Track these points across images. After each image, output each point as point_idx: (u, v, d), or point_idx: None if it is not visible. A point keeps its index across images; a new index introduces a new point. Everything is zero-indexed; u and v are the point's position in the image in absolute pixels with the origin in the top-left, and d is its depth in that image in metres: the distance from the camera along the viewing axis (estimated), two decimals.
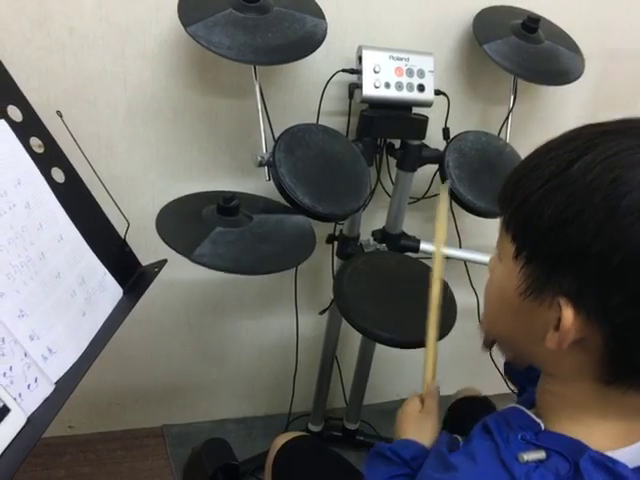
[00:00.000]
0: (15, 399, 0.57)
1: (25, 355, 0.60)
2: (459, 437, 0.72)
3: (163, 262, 0.84)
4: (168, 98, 1.11)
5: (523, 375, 0.74)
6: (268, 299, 1.42)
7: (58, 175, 0.74)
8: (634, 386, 0.46)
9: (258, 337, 1.48)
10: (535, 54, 1.14)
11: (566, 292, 0.44)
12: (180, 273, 1.23)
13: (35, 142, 0.72)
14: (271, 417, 1.61)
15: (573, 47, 1.19)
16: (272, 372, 1.55)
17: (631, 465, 0.46)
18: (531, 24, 1.13)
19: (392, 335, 0.94)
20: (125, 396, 1.47)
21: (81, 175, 0.80)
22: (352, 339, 1.46)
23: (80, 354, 0.68)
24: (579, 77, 1.15)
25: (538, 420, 0.51)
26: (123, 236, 0.83)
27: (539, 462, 0.47)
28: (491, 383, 1.63)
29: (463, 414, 1.07)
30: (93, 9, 0.99)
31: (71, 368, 0.65)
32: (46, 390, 0.61)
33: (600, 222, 0.41)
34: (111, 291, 0.77)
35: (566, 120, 1.34)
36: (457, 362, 1.63)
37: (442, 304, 0.74)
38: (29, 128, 0.72)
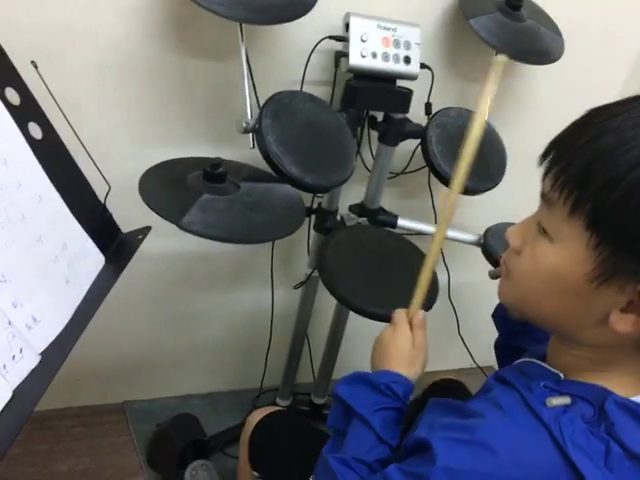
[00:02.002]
0: None
1: (9, 324, 0.55)
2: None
3: (147, 229, 0.79)
4: (143, 57, 1.05)
5: (515, 327, 0.74)
6: (239, 273, 1.39)
7: (35, 131, 0.68)
8: None
9: (227, 311, 1.45)
10: (518, 32, 1.14)
11: None
12: (148, 245, 1.17)
13: (11, 93, 0.66)
14: (237, 392, 1.58)
15: (553, 28, 1.20)
16: (240, 347, 1.52)
17: None
18: (515, 1, 1.13)
19: (379, 309, 0.93)
20: (85, 371, 1.41)
21: None
22: (323, 314, 1.45)
23: (65, 324, 0.63)
24: (559, 58, 1.17)
25: (556, 371, 0.53)
26: (103, 200, 0.78)
27: (566, 407, 0.48)
28: (456, 358, 1.67)
29: (441, 394, 1.08)
30: None
31: (57, 339, 0.61)
32: (32, 362, 0.56)
33: None
34: (93, 258, 0.72)
35: (541, 100, 1.36)
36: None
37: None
38: (4, 77, 0.65)
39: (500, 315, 0.77)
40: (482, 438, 0.48)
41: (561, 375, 0.52)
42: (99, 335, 1.35)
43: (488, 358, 1.81)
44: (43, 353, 0.58)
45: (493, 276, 0.77)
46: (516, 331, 0.73)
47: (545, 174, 0.49)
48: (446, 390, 1.13)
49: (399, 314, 0.70)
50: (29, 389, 0.54)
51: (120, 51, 1.03)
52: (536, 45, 1.15)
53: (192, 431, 1.25)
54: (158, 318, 1.39)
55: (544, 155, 0.50)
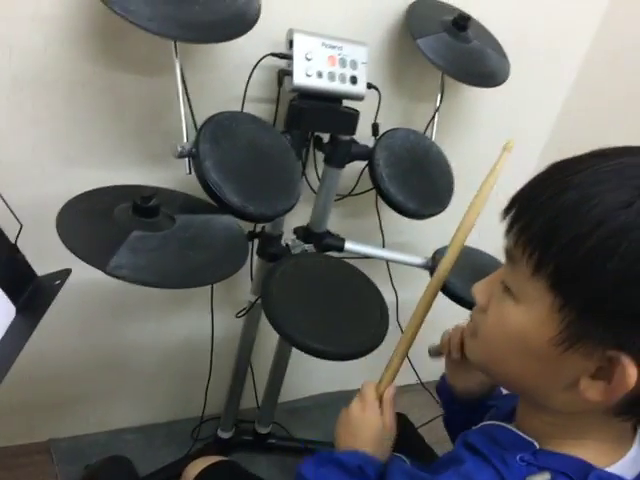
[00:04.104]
0: None
1: None
2: (404, 457, 0.69)
3: (65, 272, 0.69)
4: (65, 69, 0.94)
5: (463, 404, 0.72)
6: (176, 300, 1.30)
7: None
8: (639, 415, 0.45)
9: (163, 339, 1.35)
10: (465, 53, 1.12)
11: (630, 349, 0.40)
12: (74, 272, 1.08)
13: None
14: (174, 423, 1.49)
15: (499, 49, 1.19)
16: (178, 376, 1.43)
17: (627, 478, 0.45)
18: (462, 22, 1.11)
19: (324, 346, 0.88)
20: (3, 407, 1.27)
21: None
22: (267, 339, 1.38)
23: None
24: (505, 80, 1.15)
25: (530, 439, 0.49)
26: (14, 240, 0.68)
27: None
28: (402, 376, 1.64)
29: None
30: None
31: None
32: None
33: None
34: (1, 311, 0.63)
35: (486, 120, 1.35)
36: (370, 361, 1.62)
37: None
38: None
39: (445, 391, 0.74)
40: None
41: (536, 444, 0.48)
42: (19, 368, 1.22)
43: (432, 374, 1.81)
44: None
45: (434, 353, 0.75)
46: (465, 407, 0.70)
47: (508, 230, 0.46)
48: None
49: (368, 388, 0.66)
50: None
51: (38, 63, 0.92)
52: (482, 67, 1.13)
53: (124, 475, 1.15)
54: (86, 349, 1.28)
55: (506, 210, 0.47)
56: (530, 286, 0.43)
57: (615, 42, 1.39)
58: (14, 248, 0.68)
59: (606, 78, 1.43)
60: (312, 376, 1.62)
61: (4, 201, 0.66)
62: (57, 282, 0.69)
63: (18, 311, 0.65)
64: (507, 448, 0.48)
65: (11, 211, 0.67)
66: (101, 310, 1.23)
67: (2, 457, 1.31)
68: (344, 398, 0.97)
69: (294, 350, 1.34)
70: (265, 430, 1.43)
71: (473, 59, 1.13)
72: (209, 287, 1.23)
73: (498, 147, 0.69)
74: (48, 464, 1.33)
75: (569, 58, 1.41)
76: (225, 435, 1.39)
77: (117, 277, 0.65)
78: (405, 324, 1.48)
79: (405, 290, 1.41)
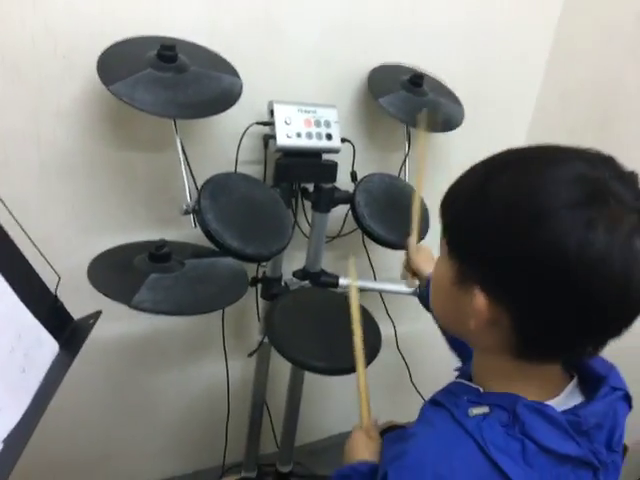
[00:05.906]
0: None
1: None
2: None
3: (98, 314, 0.83)
4: (83, 154, 1.12)
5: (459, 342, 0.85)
6: (193, 348, 1.42)
7: None
8: (543, 359, 0.57)
9: (184, 390, 1.46)
10: (422, 105, 1.29)
11: (478, 282, 0.53)
12: (99, 332, 1.19)
13: None
14: (201, 472, 1.57)
15: (453, 98, 1.37)
16: (200, 424, 1.53)
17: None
18: (417, 79, 1.29)
19: (324, 364, 0.99)
20: (37, 467, 1.36)
21: None
22: (279, 382, 1.49)
23: (23, 411, 0.66)
24: (460, 124, 1.32)
25: (476, 386, 0.61)
26: (54, 291, 0.82)
27: (485, 415, 0.55)
28: (413, 410, 1.71)
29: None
30: (4, 70, 1.00)
31: (17, 425, 0.63)
32: None
33: (502, 234, 0.51)
34: (48, 346, 0.76)
35: (453, 161, 1.52)
36: (378, 391, 1.69)
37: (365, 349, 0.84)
38: None
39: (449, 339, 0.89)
40: (416, 455, 0.55)
41: (480, 389, 0.60)
42: (53, 429, 1.32)
43: None
44: (5, 440, 0.61)
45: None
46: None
47: None
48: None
49: (356, 431, 0.80)
50: None
51: (61, 150, 1.10)
52: (439, 115, 1.31)
53: None
54: (114, 406, 1.39)
55: None
56: (443, 244, 0.58)
57: (560, 88, 1.57)
58: (55, 298, 0.83)
59: (557, 118, 1.61)
60: (327, 417, 1.70)
61: (43, 257, 0.81)
62: (91, 321, 0.82)
63: (61, 347, 0.79)
64: (459, 395, 0.60)
65: (50, 265, 0.81)
66: (125, 365, 1.35)
67: None
68: None
69: (307, 394, 1.44)
70: (286, 469, 1.50)
71: (429, 109, 1.30)
72: (221, 333, 1.36)
73: None
74: None
75: (520, 103, 1.59)
76: (249, 475, 1.46)
77: (140, 309, 0.79)
78: (405, 352, 1.59)
79: (402, 319, 1.53)
